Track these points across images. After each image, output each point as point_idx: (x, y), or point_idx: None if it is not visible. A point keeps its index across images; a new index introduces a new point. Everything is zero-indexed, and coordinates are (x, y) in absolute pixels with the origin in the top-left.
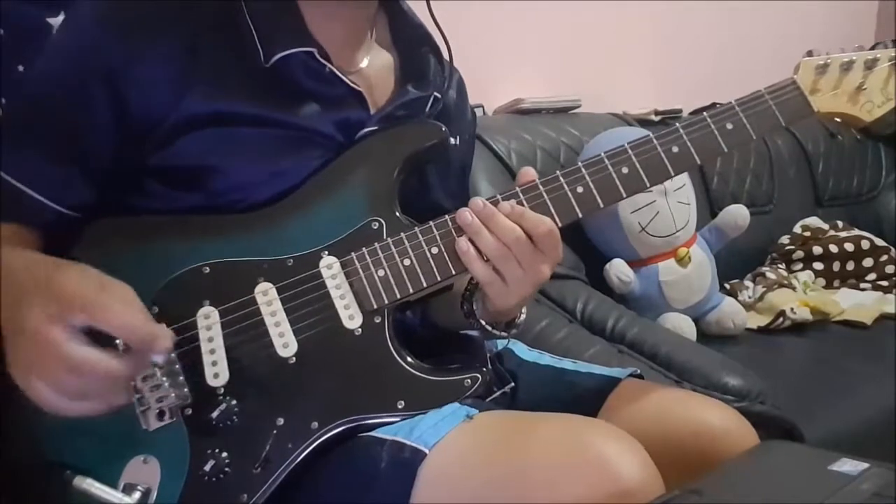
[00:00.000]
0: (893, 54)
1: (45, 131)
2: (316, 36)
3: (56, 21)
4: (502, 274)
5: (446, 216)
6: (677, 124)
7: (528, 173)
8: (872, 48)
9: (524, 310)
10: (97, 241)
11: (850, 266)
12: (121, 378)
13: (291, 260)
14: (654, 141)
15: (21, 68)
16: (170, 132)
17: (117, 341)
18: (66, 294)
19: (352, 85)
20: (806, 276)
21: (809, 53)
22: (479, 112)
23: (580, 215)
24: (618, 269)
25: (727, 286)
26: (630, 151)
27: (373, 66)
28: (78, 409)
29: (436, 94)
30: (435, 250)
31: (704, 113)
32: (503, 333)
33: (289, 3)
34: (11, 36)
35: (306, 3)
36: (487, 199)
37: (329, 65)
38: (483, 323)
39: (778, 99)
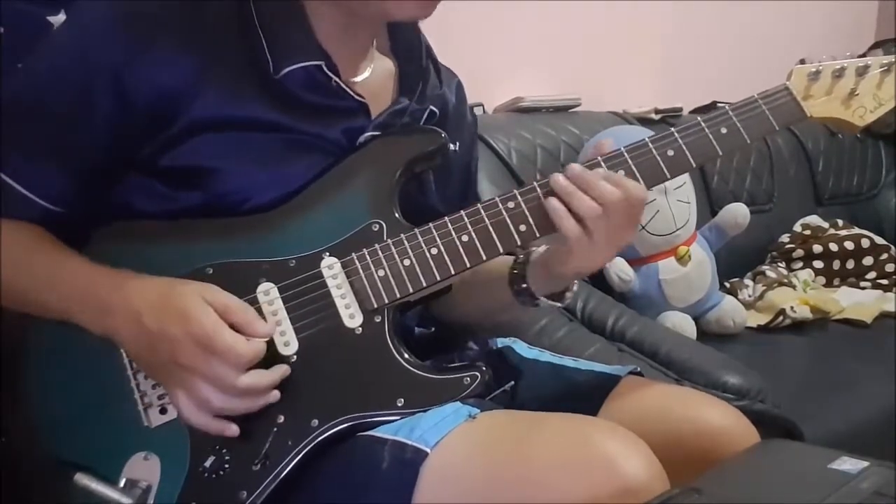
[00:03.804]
0: (884, 61)
1: (37, 124)
2: (324, 46)
3: (56, 20)
4: (592, 233)
5: (445, 218)
6: (673, 128)
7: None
8: (870, 49)
9: (576, 282)
10: (102, 245)
11: (850, 264)
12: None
13: (293, 261)
14: (650, 144)
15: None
16: (178, 134)
17: None
18: (204, 334)
19: (357, 97)
20: (806, 274)
21: (802, 61)
22: (479, 111)
23: None
24: (618, 268)
25: (727, 285)
26: (626, 154)
27: (375, 75)
28: (216, 427)
29: (432, 107)
30: (434, 251)
31: (699, 117)
32: (557, 304)
33: (297, 12)
34: (12, 34)
35: (315, 13)
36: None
37: (336, 77)
38: (540, 297)
39: (771, 104)
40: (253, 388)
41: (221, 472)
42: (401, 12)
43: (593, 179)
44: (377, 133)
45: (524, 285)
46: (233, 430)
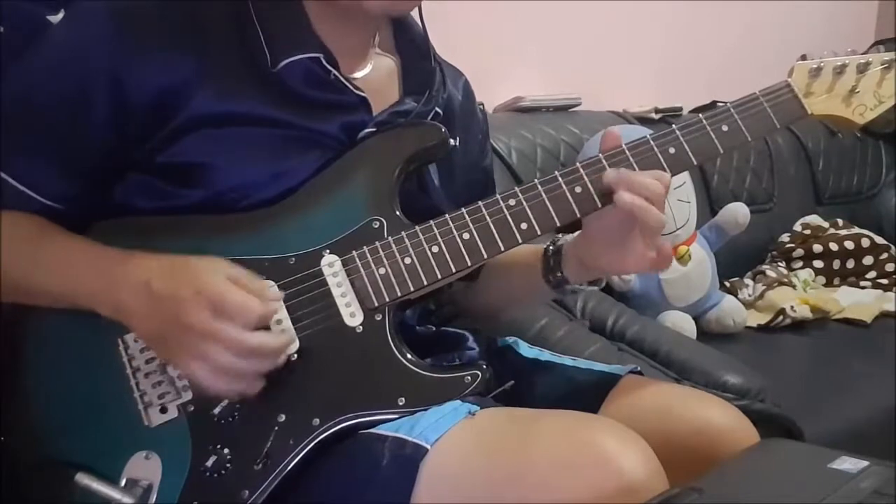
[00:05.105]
0: (885, 58)
1: (35, 122)
2: (323, 40)
3: (56, 19)
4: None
5: (447, 215)
6: (674, 126)
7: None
8: (871, 47)
9: None
10: (101, 241)
11: (851, 264)
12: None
13: (293, 258)
14: (651, 142)
15: None
16: (176, 131)
17: None
18: (216, 292)
19: (356, 91)
20: (806, 274)
21: (803, 57)
22: None
23: (578, 215)
24: None
25: (727, 284)
26: (627, 152)
27: (376, 71)
28: (231, 389)
29: (437, 109)
30: (435, 249)
31: (700, 115)
32: (593, 287)
33: (296, 8)
34: (12, 33)
35: (313, 7)
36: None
37: (334, 70)
38: (575, 284)
39: (772, 101)
40: (263, 348)
41: (223, 472)
42: (370, 7)
43: (631, 174)
44: (375, 130)
45: (559, 274)
46: (255, 386)
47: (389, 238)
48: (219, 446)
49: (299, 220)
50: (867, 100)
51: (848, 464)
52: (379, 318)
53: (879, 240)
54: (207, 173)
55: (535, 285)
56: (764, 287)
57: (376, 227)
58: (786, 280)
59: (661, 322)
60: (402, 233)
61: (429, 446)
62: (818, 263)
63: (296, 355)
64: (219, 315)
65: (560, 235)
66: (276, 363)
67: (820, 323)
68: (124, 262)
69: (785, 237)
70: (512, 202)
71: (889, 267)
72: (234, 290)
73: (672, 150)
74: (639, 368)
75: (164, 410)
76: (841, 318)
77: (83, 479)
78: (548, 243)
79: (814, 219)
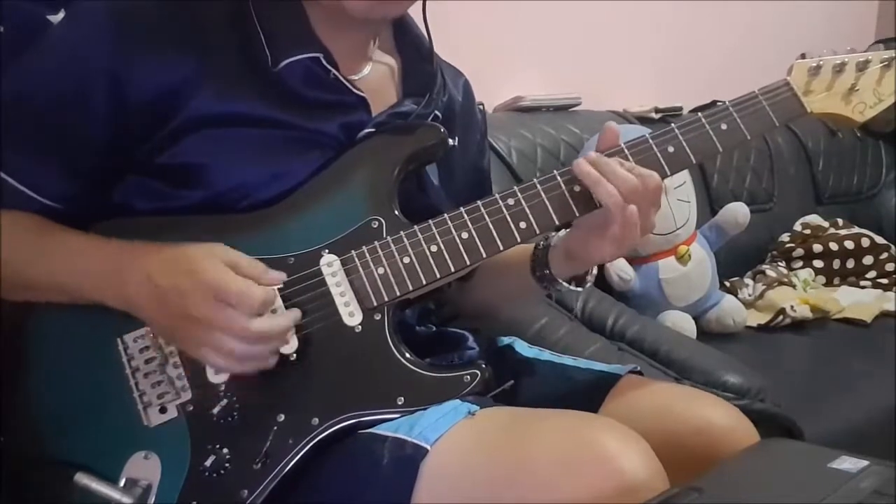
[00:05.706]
0: (885, 56)
1: (35, 122)
2: (322, 40)
3: (56, 19)
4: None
5: (445, 215)
6: (673, 124)
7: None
8: (871, 47)
9: (594, 268)
10: None
11: (851, 264)
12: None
13: (292, 258)
14: (650, 141)
15: None
16: (176, 131)
17: None
18: (216, 281)
19: (356, 91)
20: (806, 273)
21: (803, 56)
22: None
23: (577, 214)
24: (618, 267)
25: (727, 284)
26: (626, 151)
27: (375, 72)
28: (245, 370)
29: (437, 113)
30: (434, 248)
31: (699, 113)
32: (578, 289)
33: (296, 6)
34: (12, 33)
35: (313, 8)
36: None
37: (334, 70)
38: (562, 281)
39: (771, 100)
40: (267, 332)
41: (222, 471)
42: (352, 9)
43: (611, 166)
44: (374, 130)
45: (546, 271)
46: (270, 362)
47: (388, 238)
48: (218, 446)
49: (298, 220)
50: (867, 98)
51: (848, 464)
52: (378, 318)
53: (879, 239)
54: (207, 174)
55: (527, 283)
56: (764, 287)
57: (375, 226)
58: (786, 280)
59: (661, 322)
60: (401, 232)
61: (428, 446)
62: (818, 263)
63: (294, 355)
64: (222, 304)
65: (554, 234)
66: (285, 343)
67: (820, 323)
68: (129, 256)
69: (785, 237)
70: (511, 201)
71: (889, 267)
72: (233, 277)
73: (671, 149)
74: (639, 368)
75: (163, 410)
76: (841, 317)
77: (82, 478)
78: (540, 240)
79: (814, 219)
